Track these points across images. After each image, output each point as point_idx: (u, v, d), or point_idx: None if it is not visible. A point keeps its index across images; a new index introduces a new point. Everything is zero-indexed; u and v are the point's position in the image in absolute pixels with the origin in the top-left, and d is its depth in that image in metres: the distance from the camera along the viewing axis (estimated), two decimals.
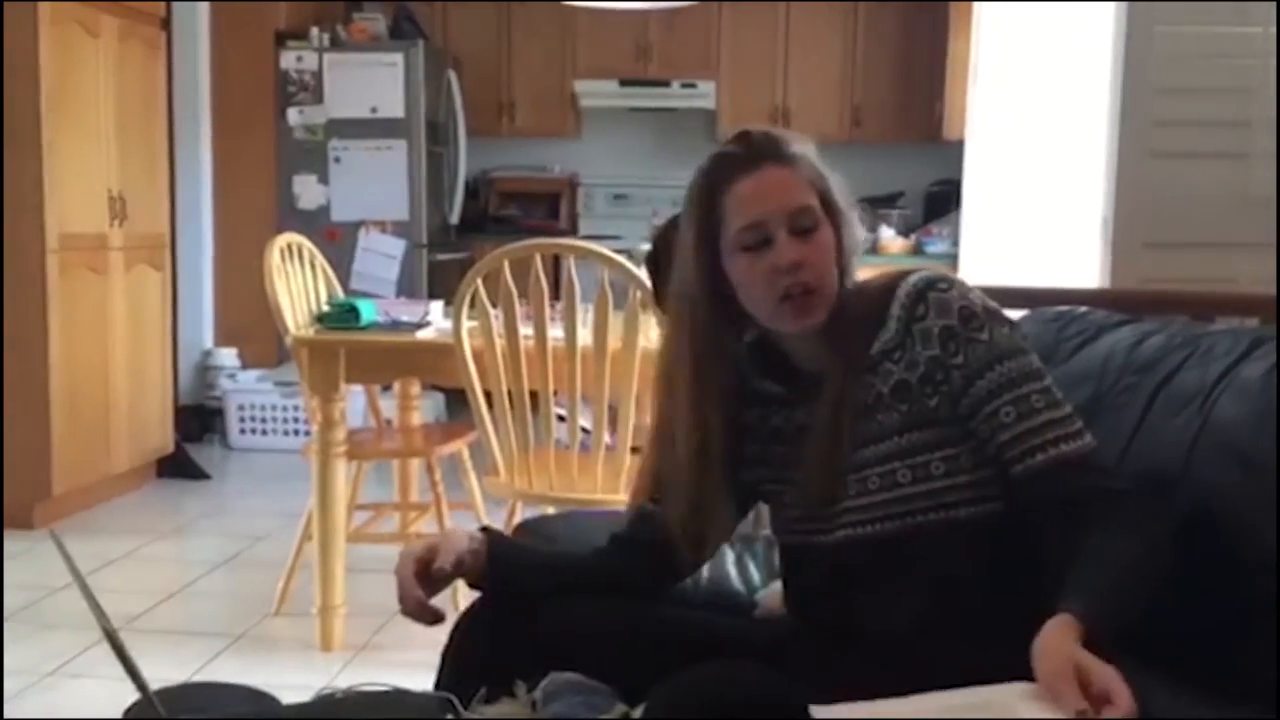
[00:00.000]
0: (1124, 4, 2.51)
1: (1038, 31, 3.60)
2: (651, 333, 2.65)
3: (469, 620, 1.48)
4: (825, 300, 1.36)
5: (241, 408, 5.40)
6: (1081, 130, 2.91)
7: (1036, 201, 3.71)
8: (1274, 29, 2.52)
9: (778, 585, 1.70)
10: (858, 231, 1.41)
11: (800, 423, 1.41)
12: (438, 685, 1.43)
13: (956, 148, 4.81)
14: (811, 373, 1.41)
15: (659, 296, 2.42)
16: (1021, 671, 1.09)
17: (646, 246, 2.57)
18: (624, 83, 6.52)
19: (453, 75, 6.08)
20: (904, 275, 1.38)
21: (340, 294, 3.53)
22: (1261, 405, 1.28)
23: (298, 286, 3.32)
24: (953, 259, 5.21)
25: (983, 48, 3.79)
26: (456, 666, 1.45)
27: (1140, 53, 2.50)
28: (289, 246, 3.34)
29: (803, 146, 1.39)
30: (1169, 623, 1.30)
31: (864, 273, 1.45)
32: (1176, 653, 1.24)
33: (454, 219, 6.25)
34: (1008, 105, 3.76)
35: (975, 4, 3.83)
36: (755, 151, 1.36)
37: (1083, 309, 1.84)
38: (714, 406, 1.42)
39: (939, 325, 1.32)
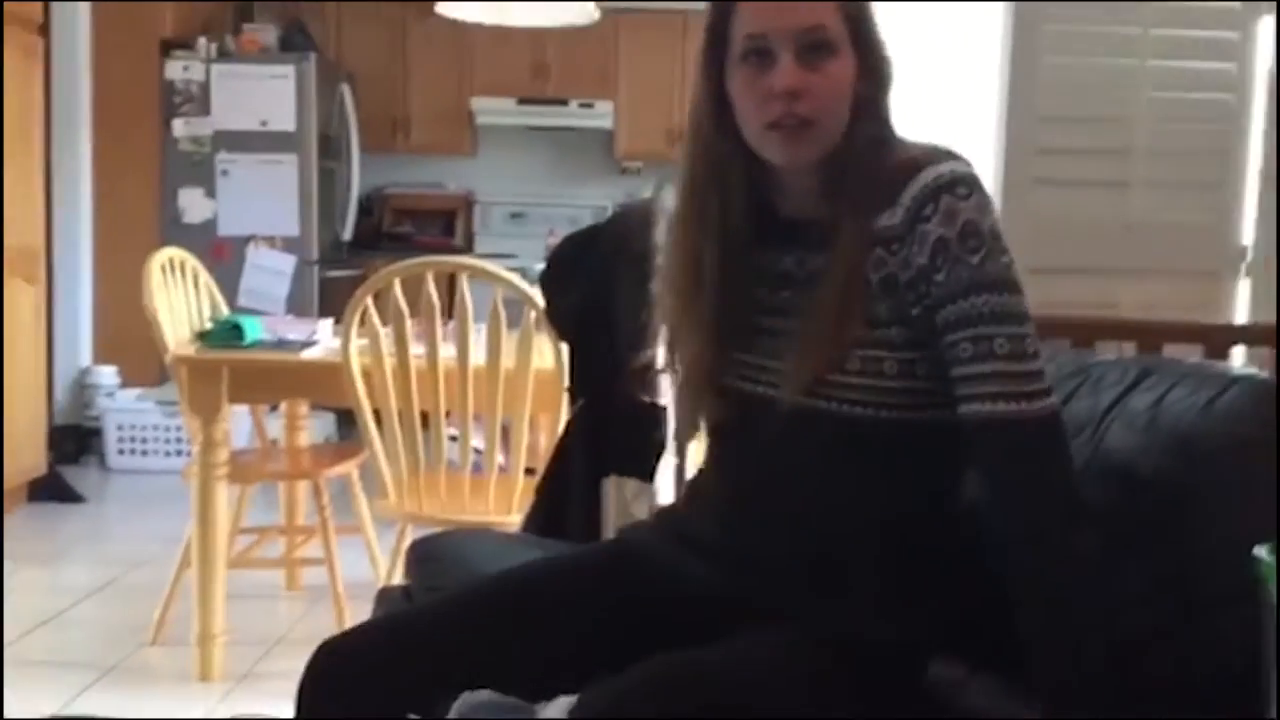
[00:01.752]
0: (1009, 32, 2.57)
1: (927, 60, 3.67)
2: (545, 352, 2.62)
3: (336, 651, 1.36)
4: (822, 137, 1.26)
5: (121, 427, 5.20)
6: (969, 156, 2.96)
7: None
8: (1150, 61, 2.60)
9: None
10: (891, 74, 1.30)
11: (783, 270, 1.32)
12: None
13: None
14: (800, 220, 1.31)
15: (552, 316, 2.42)
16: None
17: (541, 265, 2.56)
18: (521, 101, 6.49)
19: (346, 89, 5.97)
20: (935, 159, 1.25)
21: (225, 311, 3.42)
22: (1149, 435, 1.31)
23: (180, 303, 3.21)
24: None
25: None
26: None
27: (1025, 82, 2.56)
28: (171, 261, 3.23)
29: None
30: None
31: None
32: None
33: (347, 235, 6.13)
34: (901, 127, 3.83)
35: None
36: None
37: None
38: (709, 235, 1.32)
39: (936, 233, 1.21)
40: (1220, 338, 2.54)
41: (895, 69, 1.30)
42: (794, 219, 1.33)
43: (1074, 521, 1.19)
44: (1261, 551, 0.90)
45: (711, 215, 1.31)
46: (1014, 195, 2.56)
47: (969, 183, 1.23)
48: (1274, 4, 2.67)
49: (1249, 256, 2.73)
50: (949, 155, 1.26)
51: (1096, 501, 1.31)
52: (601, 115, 6.50)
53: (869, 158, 1.27)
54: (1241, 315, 2.74)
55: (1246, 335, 2.65)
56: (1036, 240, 2.59)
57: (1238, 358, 2.59)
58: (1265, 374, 1.39)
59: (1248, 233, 2.73)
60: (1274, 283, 2.68)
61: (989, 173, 2.65)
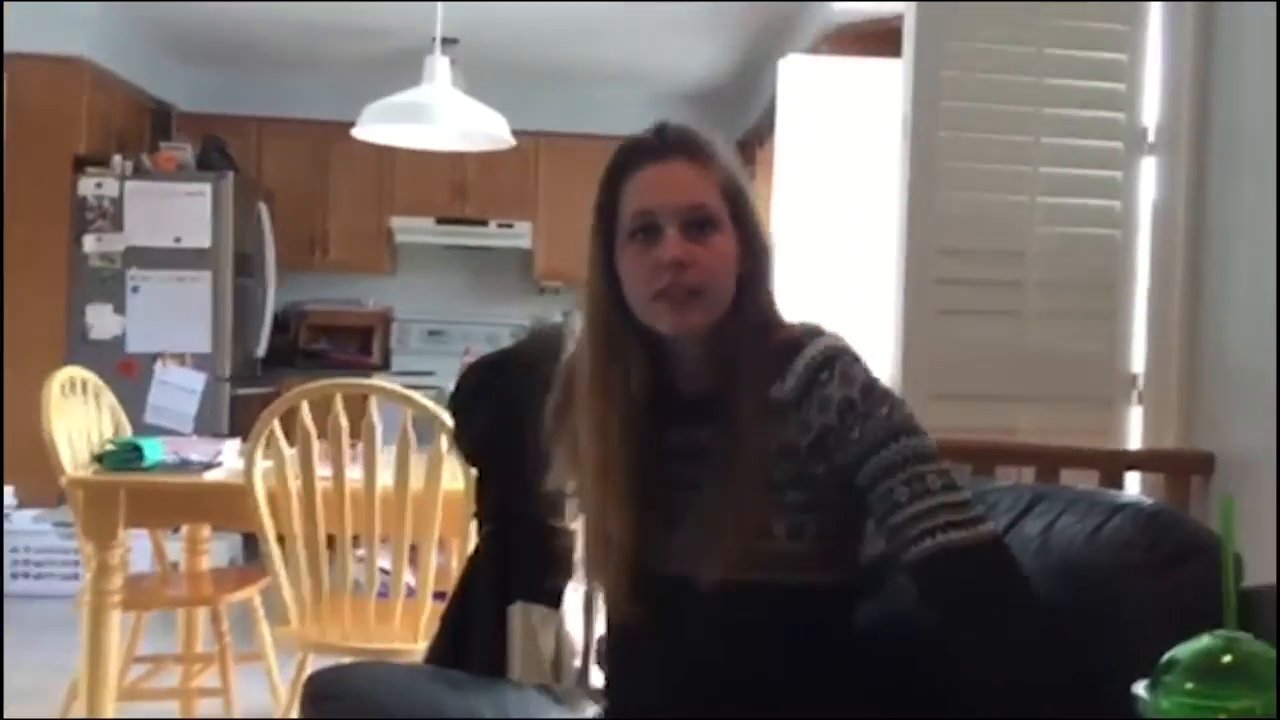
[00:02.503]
0: (906, 167, 2.67)
1: (834, 190, 3.80)
2: (456, 473, 2.60)
3: None
4: (709, 306, 1.31)
5: (15, 549, 5.01)
6: (874, 285, 3.05)
7: None
8: (1040, 198, 2.71)
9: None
10: (770, 251, 1.36)
11: (683, 446, 1.35)
12: None
13: None
14: (698, 397, 1.35)
15: (460, 439, 2.41)
16: None
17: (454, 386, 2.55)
18: (440, 220, 6.55)
19: (264, 207, 5.98)
20: (813, 335, 1.34)
21: (128, 431, 3.35)
22: (1039, 562, 1.33)
23: (80, 423, 3.14)
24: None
25: (782, 201, 3.97)
26: None
27: (922, 215, 2.65)
28: (72, 380, 3.16)
29: (725, 151, 1.34)
30: None
31: None
32: None
33: (260, 352, 6.07)
34: (806, 257, 3.93)
35: (776, 160, 4.02)
36: (666, 142, 1.32)
37: None
38: (614, 410, 1.34)
39: (840, 395, 1.27)
40: (1114, 463, 2.62)
41: (773, 250, 1.38)
42: (692, 396, 1.37)
43: (1042, 628, 1.23)
44: (1139, 689, 0.92)
45: (615, 391, 1.35)
46: (915, 324, 2.63)
47: (852, 352, 1.33)
48: (1155, 146, 2.82)
49: (1139, 385, 2.82)
50: (826, 330, 1.35)
51: None
52: (520, 235, 6.58)
53: (756, 332, 1.34)
54: (1135, 441, 2.82)
55: (1139, 461, 2.73)
56: (938, 367, 2.66)
57: (1131, 483, 2.67)
58: (1150, 501, 1.43)
59: (1138, 361, 2.83)
60: (1164, 410, 2.77)
61: (891, 302, 2.73)
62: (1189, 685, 0.88)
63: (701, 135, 1.35)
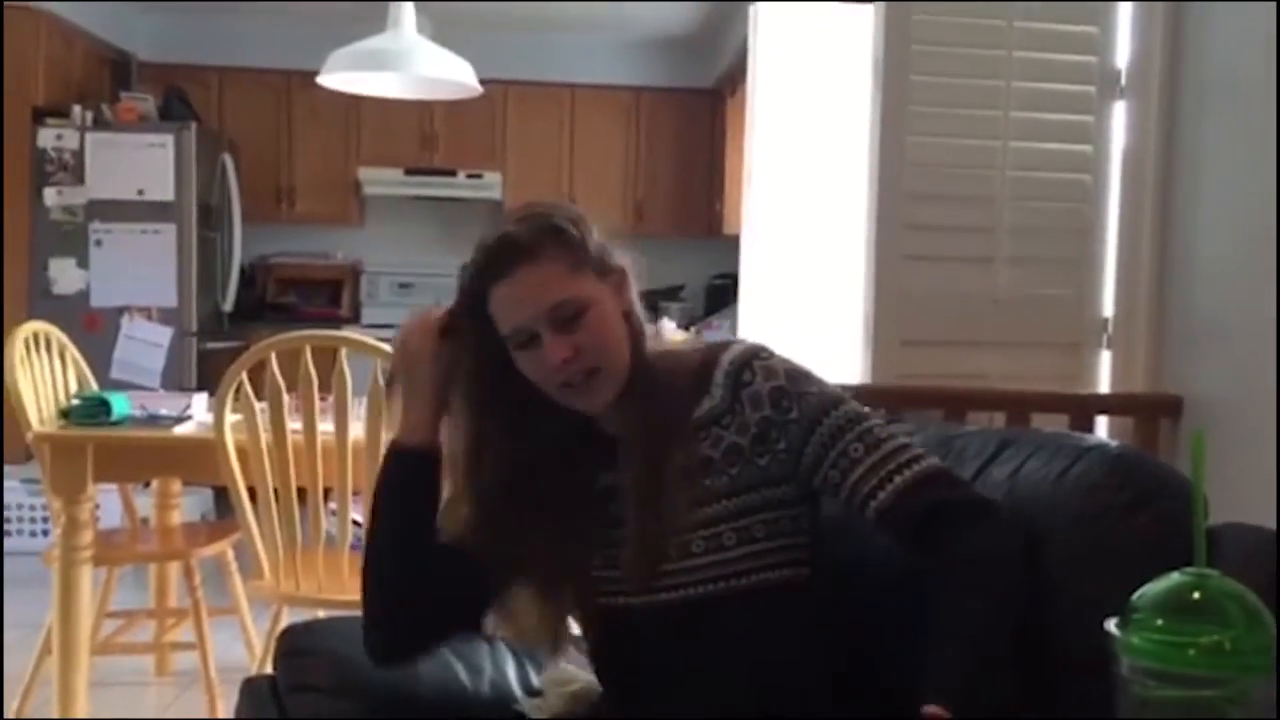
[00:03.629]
0: (877, 113, 2.65)
1: (806, 135, 3.78)
2: None
3: None
4: (613, 376, 1.35)
5: None
6: (845, 230, 3.05)
7: (808, 298, 3.86)
8: (1011, 142, 2.71)
9: (551, 671, 1.66)
10: (626, 280, 1.39)
11: (609, 484, 1.38)
12: None
13: (735, 242, 4.98)
14: (616, 435, 1.38)
15: None
16: None
17: None
18: (409, 171, 6.48)
19: (228, 159, 5.89)
20: (725, 346, 1.40)
21: (93, 386, 3.31)
22: (1009, 505, 1.33)
23: (44, 378, 3.10)
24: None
25: (756, 147, 3.95)
26: None
27: (892, 160, 2.64)
28: (35, 335, 3.12)
29: (556, 221, 1.35)
30: None
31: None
32: None
33: (228, 306, 6.00)
34: (780, 204, 3.92)
35: (749, 106, 3.99)
36: (506, 255, 1.34)
37: None
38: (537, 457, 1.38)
39: (768, 386, 1.34)
40: (1083, 407, 2.64)
41: (628, 274, 1.40)
42: (605, 434, 1.40)
43: (1011, 533, 1.28)
44: (1110, 626, 0.92)
45: (539, 439, 1.39)
46: (885, 270, 2.63)
47: (764, 349, 1.39)
48: (1126, 90, 2.81)
49: (1109, 329, 2.84)
50: (734, 340, 1.42)
51: None
52: (489, 186, 6.52)
53: (667, 367, 1.39)
54: (1104, 385, 2.84)
55: (1109, 405, 2.75)
56: (907, 314, 2.67)
57: (1101, 427, 2.69)
58: (1116, 443, 1.44)
59: (1108, 306, 2.85)
60: (1134, 354, 2.79)
61: (861, 248, 2.72)
62: (1159, 621, 0.89)
63: (527, 230, 1.34)
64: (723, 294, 6.30)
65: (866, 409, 1.36)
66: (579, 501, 1.40)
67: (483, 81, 3.75)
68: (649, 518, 1.33)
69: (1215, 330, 2.57)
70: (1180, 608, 0.90)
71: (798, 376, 1.36)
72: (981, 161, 2.71)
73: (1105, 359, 2.85)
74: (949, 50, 2.69)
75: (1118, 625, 0.92)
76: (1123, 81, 2.81)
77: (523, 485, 1.38)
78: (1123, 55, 2.81)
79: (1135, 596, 0.92)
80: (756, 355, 1.37)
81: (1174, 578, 0.92)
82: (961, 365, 2.65)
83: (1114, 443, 1.45)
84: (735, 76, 5.45)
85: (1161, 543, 1.12)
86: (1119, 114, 2.83)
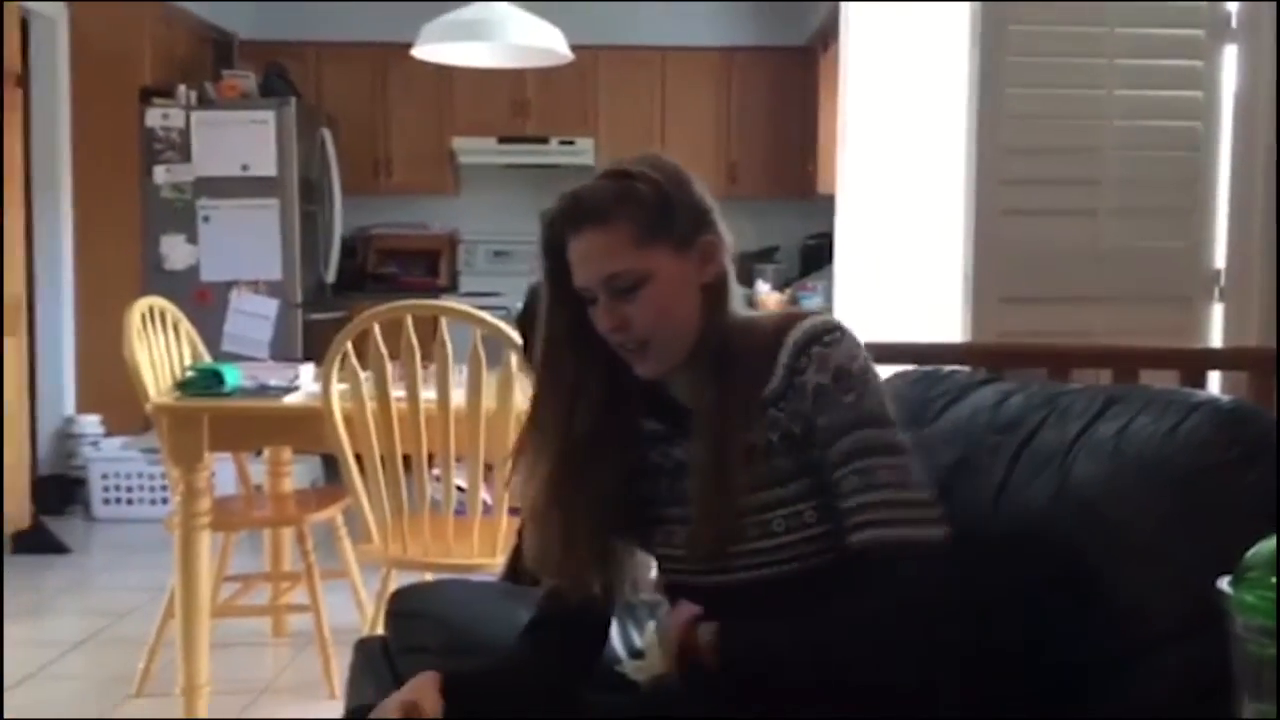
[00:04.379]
0: (975, 66, 2.59)
1: (901, 91, 3.71)
2: (528, 392, 2.62)
3: None
4: (666, 350, 1.35)
5: (105, 476, 5.18)
6: (943, 187, 2.99)
7: (905, 256, 3.80)
8: (1117, 91, 2.62)
9: (652, 630, 1.68)
10: (720, 255, 1.37)
11: (679, 459, 1.39)
12: None
13: (830, 202, 4.92)
14: (689, 408, 1.38)
15: (531, 355, 2.43)
16: None
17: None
18: (502, 140, 6.53)
19: (327, 133, 6.00)
20: (798, 319, 1.35)
21: (206, 358, 3.42)
22: (1114, 464, 1.31)
23: (160, 351, 3.21)
24: (827, 313, 5.28)
25: (849, 105, 3.89)
26: None
27: (991, 114, 2.58)
28: (151, 310, 3.23)
29: (636, 185, 1.33)
30: (1021, 678, 1.32)
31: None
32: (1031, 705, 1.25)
33: (330, 278, 6.15)
34: (875, 162, 3.86)
35: (842, 63, 3.93)
36: (573, 216, 1.35)
37: (947, 368, 1.88)
38: (584, 450, 1.39)
39: (814, 382, 1.30)
40: (1195, 363, 2.56)
41: (727, 247, 1.38)
42: (679, 405, 1.40)
43: (917, 659, 1.26)
44: (1223, 583, 0.91)
45: (583, 429, 1.39)
46: (984, 225, 2.58)
47: (833, 328, 1.33)
48: (1237, 33, 2.71)
49: (1222, 281, 2.75)
50: (808, 312, 1.38)
51: (1065, 534, 1.32)
52: (582, 152, 6.54)
53: (737, 335, 1.36)
54: (1216, 339, 2.76)
55: (1221, 360, 2.67)
56: (1008, 270, 2.62)
57: (1213, 383, 2.61)
58: (1227, 398, 1.40)
59: (1219, 257, 2.75)
60: (1247, 306, 2.70)
61: (960, 205, 2.67)
62: (1274, 579, 0.87)
63: (607, 192, 1.34)
64: (818, 254, 6.24)
65: (896, 440, 1.30)
66: (644, 471, 1.41)
67: (573, 47, 3.76)
68: (713, 500, 1.32)
69: None
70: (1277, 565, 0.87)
71: (845, 376, 1.30)
72: (1085, 112, 2.63)
73: (1218, 313, 2.76)
74: None
75: (1231, 583, 0.90)
76: (1233, 24, 2.70)
77: (607, 437, 1.39)
78: None
79: (1248, 554, 0.90)
80: (818, 339, 1.32)
81: None
82: (1065, 322, 2.59)
83: (1225, 398, 1.41)
84: (828, 33, 5.37)
85: (1274, 499, 1.10)
86: (1230, 58, 2.72)
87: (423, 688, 1.36)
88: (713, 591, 1.36)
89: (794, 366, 1.31)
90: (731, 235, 1.40)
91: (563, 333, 1.38)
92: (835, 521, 1.32)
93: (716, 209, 1.40)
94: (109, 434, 5.33)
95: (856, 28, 3.85)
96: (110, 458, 5.21)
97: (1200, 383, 2.52)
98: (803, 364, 1.30)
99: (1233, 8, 2.71)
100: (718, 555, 1.34)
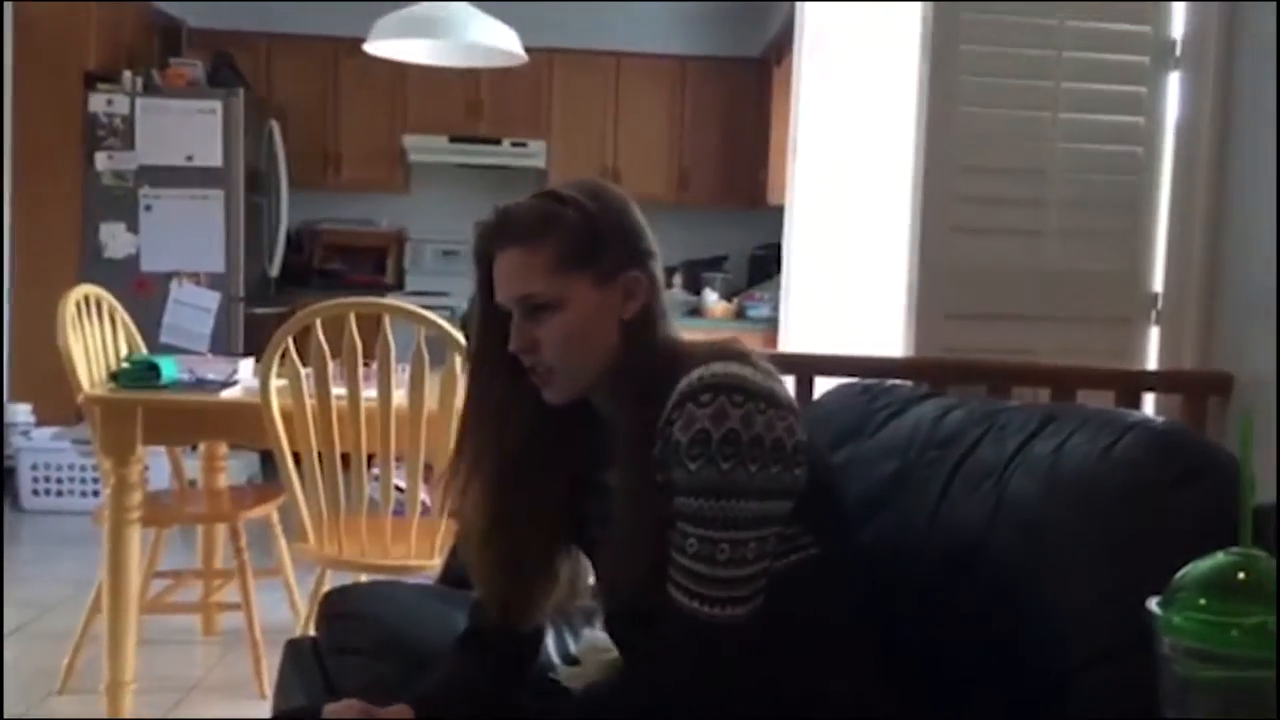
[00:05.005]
0: (925, 84, 2.62)
1: (853, 106, 3.75)
2: None
3: None
4: (566, 379, 1.34)
5: (35, 467, 5.07)
6: (891, 202, 3.02)
7: (852, 269, 3.83)
8: (1062, 114, 2.66)
9: (588, 638, 1.68)
10: (655, 285, 1.36)
11: (605, 481, 1.38)
12: None
13: (779, 212, 4.95)
14: (613, 431, 1.38)
15: None
16: None
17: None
18: (454, 139, 6.50)
19: (275, 125, 5.93)
20: (700, 362, 1.27)
21: (142, 349, 3.36)
22: (1050, 482, 1.32)
23: (95, 341, 3.15)
24: (773, 323, 5.32)
25: (801, 117, 3.92)
26: None
27: (940, 131, 2.61)
28: (87, 299, 3.17)
29: (566, 211, 1.32)
30: (958, 694, 1.33)
31: (692, 337, 1.40)
32: None
33: (274, 272, 6.07)
34: (825, 174, 3.89)
35: (794, 75, 3.95)
36: (500, 232, 1.36)
37: (890, 382, 1.89)
38: (519, 463, 1.39)
39: (675, 438, 1.24)
40: (1131, 383, 2.61)
41: (659, 285, 1.36)
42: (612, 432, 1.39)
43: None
44: (1152, 604, 0.91)
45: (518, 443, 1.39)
46: (930, 242, 2.60)
47: (716, 389, 1.23)
48: (1181, 60, 2.76)
49: (1159, 304, 2.79)
50: (718, 357, 1.28)
51: (1000, 551, 1.33)
52: (534, 154, 6.52)
53: (656, 366, 1.32)
54: (1152, 361, 2.80)
55: (1156, 381, 2.72)
56: (952, 287, 2.64)
57: (1148, 404, 2.66)
58: (1161, 419, 1.42)
59: (1158, 281, 2.80)
60: (1183, 330, 2.75)
61: (906, 220, 2.70)
62: (1202, 601, 0.88)
63: (535, 214, 1.33)
64: (766, 264, 6.27)
65: (734, 515, 1.22)
66: (575, 491, 1.41)
67: (528, 49, 3.74)
68: (632, 529, 1.30)
69: (1268, 306, 2.52)
70: (1225, 588, 0.88)
71: (700, 444, 1.22)
72: (1031, 133, 2.67)
73: (1154, 335, 2.81)
74: (1000, 19, 2.65)
75: (1160, 604, 0.91)
76: (1177, 52, 2.75)
77: (543, 451, 1.39)
78: (1177, 25, 2.75)
79: (1179, 575, 0.91)
80: (696, 395, 1.23)
81: (1219, 557, 0.90)
82: (1006, 340, 2.62)
83: (1160, 419, 1.43)
84: (782, 45, 5.40)
85: (1207, 521, 1.11)
86: (1173, 85, 2.77)
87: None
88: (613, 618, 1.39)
89: (669, 416, 1.25)
90: (662, 273, 1.38)
91: (492, 343, 1.38)
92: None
93: (654, 245, 1.38)
94: (40, 424, 5.22)
95: (810, 40, 3.88)
96: (41, 448, 5.10)
97: (1136, 404, 2.56)
98: (674, 416, 1.25)
99: (1177, 36, 2.76)
100: (622, 586, 1.34)
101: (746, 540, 1.23)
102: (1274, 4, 2.53)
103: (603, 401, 1.38)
